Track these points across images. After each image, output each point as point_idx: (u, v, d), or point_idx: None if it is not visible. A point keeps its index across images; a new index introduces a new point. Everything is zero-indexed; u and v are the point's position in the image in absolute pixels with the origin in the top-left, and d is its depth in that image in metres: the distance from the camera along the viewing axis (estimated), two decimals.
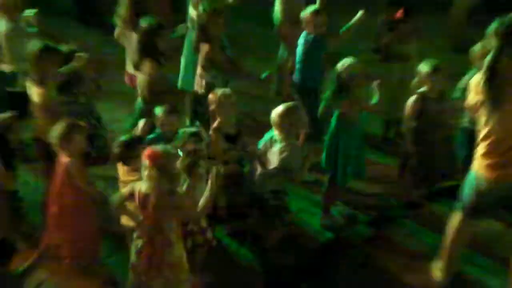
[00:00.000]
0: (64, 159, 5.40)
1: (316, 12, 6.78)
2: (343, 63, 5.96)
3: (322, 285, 5.68)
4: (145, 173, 4.71)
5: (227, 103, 5.78)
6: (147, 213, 4.77)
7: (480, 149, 5.00)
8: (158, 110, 5.81)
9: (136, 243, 4.88)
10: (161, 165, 4.66)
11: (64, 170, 5.43)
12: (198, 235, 5.43)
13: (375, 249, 6.04)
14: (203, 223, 5.42)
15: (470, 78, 5.70)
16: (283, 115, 5.55)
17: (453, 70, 6.49)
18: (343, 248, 6.09)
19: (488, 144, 4.93)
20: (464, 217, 5.27)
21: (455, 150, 6.38)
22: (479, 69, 6.01)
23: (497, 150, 4.91)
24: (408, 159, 6.45)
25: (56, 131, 5.39)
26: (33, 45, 6.07)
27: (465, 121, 6.24)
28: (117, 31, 7.02)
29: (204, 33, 6.71)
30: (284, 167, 5.59)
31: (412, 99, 6.23)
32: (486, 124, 4.88)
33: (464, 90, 5.81)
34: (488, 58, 4.80)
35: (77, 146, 5.43)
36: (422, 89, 6.24)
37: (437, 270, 5.52)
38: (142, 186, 4.73)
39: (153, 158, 4.66)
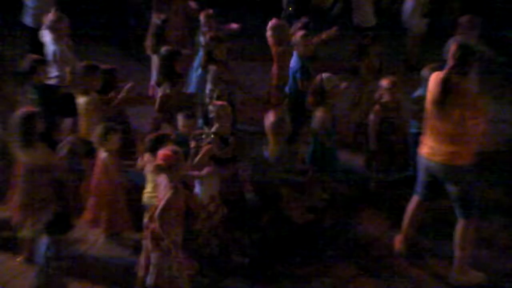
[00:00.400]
0: (102, 154, 5.95)
1: (304, 36, 7.28)
2: (323, 77, 6.53)
3: (305, 251, 6.17)
4: (154, 170, 5.24)
5: (223, 114, 6.19)
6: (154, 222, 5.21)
7: (424, 136, 5.58)
8: (179, 116, 6.29)
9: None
10: (171, 161, 5.14)
11: (102, 163, 5.97)
12: (207, 218, 5.95)
13: (346, 225, 6.57)
14: (211, 208, 5.94)
15: (419, 93, 6.39)
16: (273, 124, 6.15)
17: (407, 85, 7.03)
18: (322, 224, 6.57)
19: (431, 133, 5.49)
20: (418, 199, 5.86)
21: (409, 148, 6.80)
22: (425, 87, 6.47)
23: (435, 136, 5.48)
24: (373, 155, 6.97)
25: (96, 131, 5.93)
26: (80, 63, 6.62)
27: (414, 126, 6.69)
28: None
29: (211, 57, 7.23)
30: (274, 163, 6.20)
31: (375, 107, 6.78)
32: (433, 119, 5.46)
33: (416, 101, 6.50)
34: (444, 73, 5.34)
35: (113, 144, 5.93)
36: (383, 100, 6.77)
37: (398, 241, 6.11)
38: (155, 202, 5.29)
39: (165, 156, 5.17)
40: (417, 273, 5.91)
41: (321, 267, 5.97)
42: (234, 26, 7.98)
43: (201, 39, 7.88)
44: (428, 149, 5.55)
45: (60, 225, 5.17)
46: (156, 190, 5.51)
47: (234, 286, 5.81)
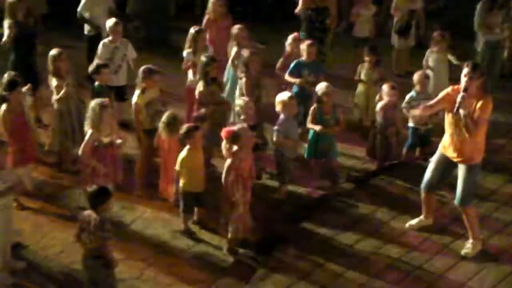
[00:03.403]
0: (164, 136, 6.27)
1: (311, 44, 7.63)
2: (320, 86, 6.91)
3: (315, 222, 6.40)
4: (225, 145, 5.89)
5: (247, 108, 6.60)
6: None
7: (446, 137, 5.77)
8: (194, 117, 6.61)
9: None
10: (234, 137, 5.74)
11: (167, 144, 6.28)
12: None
13: (348, 202, 6.76)
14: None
15: (411, 96, 6.85)
16: (283, 99, 6.59)
17: (402, 89, 7.29)
18: (329, 200, 6.83)
19: (451, 133, 5.64)
20: (426, 192, 6.09)
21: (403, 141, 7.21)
22: (416, 90, 6.99)
23: (452, 138, 5.66)
24: (373, 145, 7.28)
25: (163, 119, 6.16)
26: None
27: (410, 122, 7.04)
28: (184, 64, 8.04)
29: (246, 68, 7.41)
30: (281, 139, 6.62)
31: (378, 106, 7.16)
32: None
33: (408, 103, 6.91)
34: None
35: (176, 129, 6.09)
36: (384, 101, 7.08)
37: (416, 224, 6.26)
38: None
39: (228, 133, 5.80)
40: None
41: (327, 237, 6.26)
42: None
43: (233, 51, 8.12)
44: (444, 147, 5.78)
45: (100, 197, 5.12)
46: None
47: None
